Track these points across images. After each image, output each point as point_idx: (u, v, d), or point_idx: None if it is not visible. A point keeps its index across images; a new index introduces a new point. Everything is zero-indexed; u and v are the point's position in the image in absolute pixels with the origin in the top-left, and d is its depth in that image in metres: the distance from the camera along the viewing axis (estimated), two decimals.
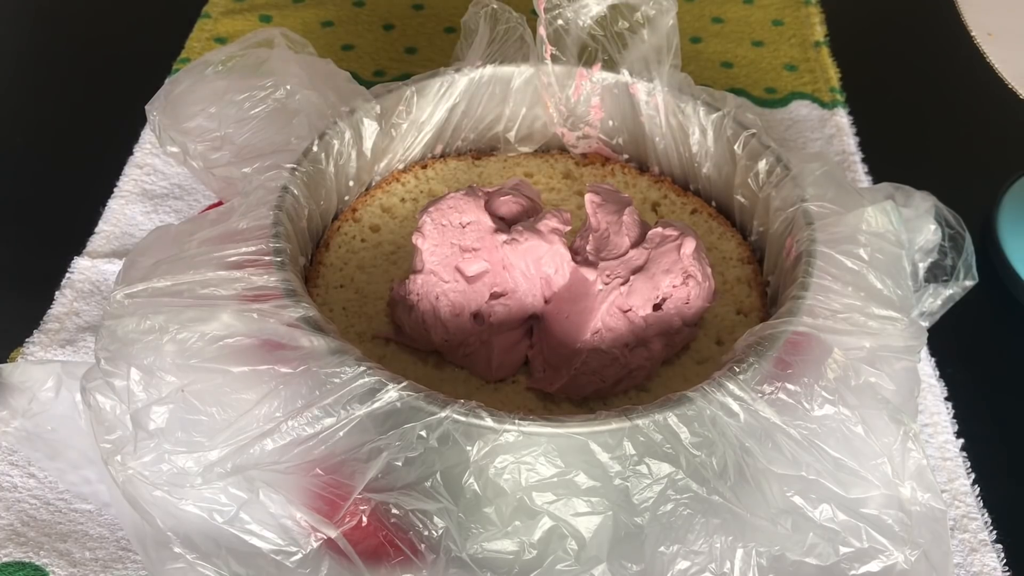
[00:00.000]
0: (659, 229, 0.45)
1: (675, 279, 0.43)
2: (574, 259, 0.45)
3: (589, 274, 0.44)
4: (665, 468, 0.36)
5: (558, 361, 0.43)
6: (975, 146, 0.71)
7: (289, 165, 0.47)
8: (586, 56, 0.54)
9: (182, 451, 0.37)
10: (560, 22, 0.53)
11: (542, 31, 0.53)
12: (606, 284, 0.43)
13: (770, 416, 0.37)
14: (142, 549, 0.39)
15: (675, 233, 0.45)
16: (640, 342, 0.43)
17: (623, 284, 0.43)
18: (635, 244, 0.45)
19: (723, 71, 0.76)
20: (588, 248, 0.45)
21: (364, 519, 0.36)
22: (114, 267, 0.58)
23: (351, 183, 0.52)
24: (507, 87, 0.55)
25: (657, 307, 0.44)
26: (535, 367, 0.44)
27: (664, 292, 0.44)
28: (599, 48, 0.54)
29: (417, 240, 0.45)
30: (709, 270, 0.45)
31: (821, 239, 0.44)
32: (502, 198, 0.47)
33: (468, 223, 0.45)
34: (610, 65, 0.54)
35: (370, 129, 0.51)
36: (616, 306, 0.43)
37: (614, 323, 0.43)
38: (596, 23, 0.53)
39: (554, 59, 0.54)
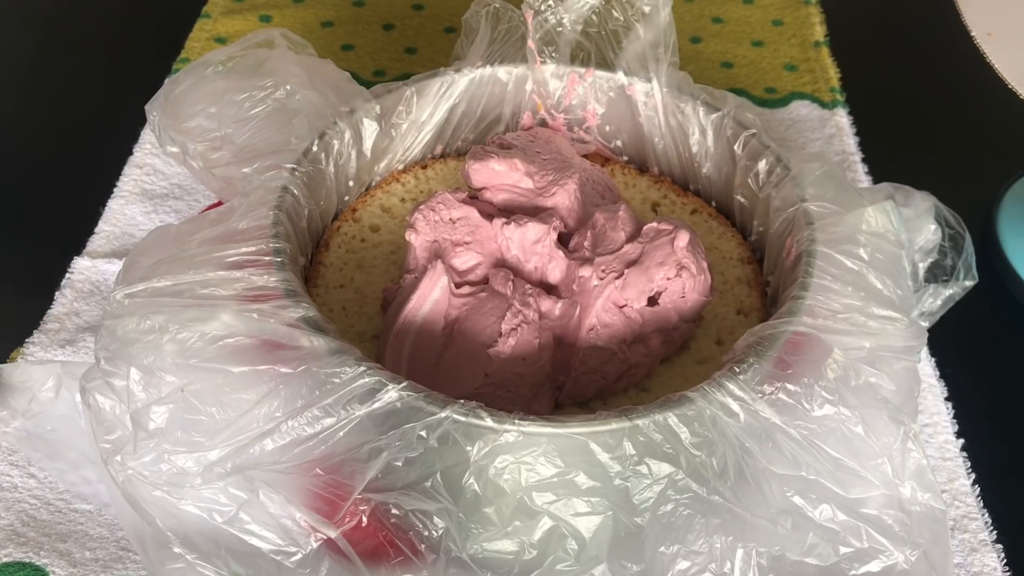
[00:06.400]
0: (654, 224, 0.46)
1: (669, 271, 0.44)
2: (571, 257, 0.45)
3: (584, 270, 0.44)
4: (665, 468, 0.36)
5: (558, 364, 0.43)
6: (975, 146, 0.71)
7: (289, 165, 0.47)
8: (581, 56, 0.54)
9: (182, 451, 0.37)
10: (552, 21, 0.53)
11: (531, 44, 0.53)
12: (601, 279, 0.44)
13: (770, 416, 0.38)
14: (142, 549, 0.39)
15: (669, 227, 0.45)
16: (638, 338, 0.44)
17: (618, 278, 0.43)
18: (630, 239, 0.45)
19: (723, 71, 0.76)
20: (585, 244, 0.45)
21: (364, 519, 0.36)
22: (114, 267, 0.58)
23: (351, 183, 0.52)
24: (506, 87, 0.55)
25: (653, 301, 0.44)
26: None
27: (658, 285, 0.44)
28: (593, 47, 0.54)
29: (410, 236, 0.45)
30: (705, 264, 0.45)
31: (821, 239, 0.44)
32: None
33: (458, 218, 0.45)
34: (606, 65, 0.54)
35: (370, 129, 0.51)
36: (611, 301, 0.43)
37: (610, 319, 0.43)
38: (589, 20, 0.53)
39: (547, 59, 0.54)
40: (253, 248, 0.42)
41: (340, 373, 0.37)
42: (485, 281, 0.44)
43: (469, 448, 0.36)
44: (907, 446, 0.39)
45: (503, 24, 0.55)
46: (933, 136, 0.72)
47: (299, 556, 0.36)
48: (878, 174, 0.67)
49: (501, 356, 0.41)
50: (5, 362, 0.53)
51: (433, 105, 0.53)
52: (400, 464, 0.36)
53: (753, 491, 0.37)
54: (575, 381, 0.43)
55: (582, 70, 0.55)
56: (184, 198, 0.63)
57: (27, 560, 0.45)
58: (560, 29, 0.54)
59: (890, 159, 0.68)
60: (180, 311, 0.39)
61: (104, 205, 0.62)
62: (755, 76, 0.75)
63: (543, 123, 0.56)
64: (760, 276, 0.49)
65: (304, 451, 0.36)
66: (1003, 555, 0.47)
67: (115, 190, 0.63)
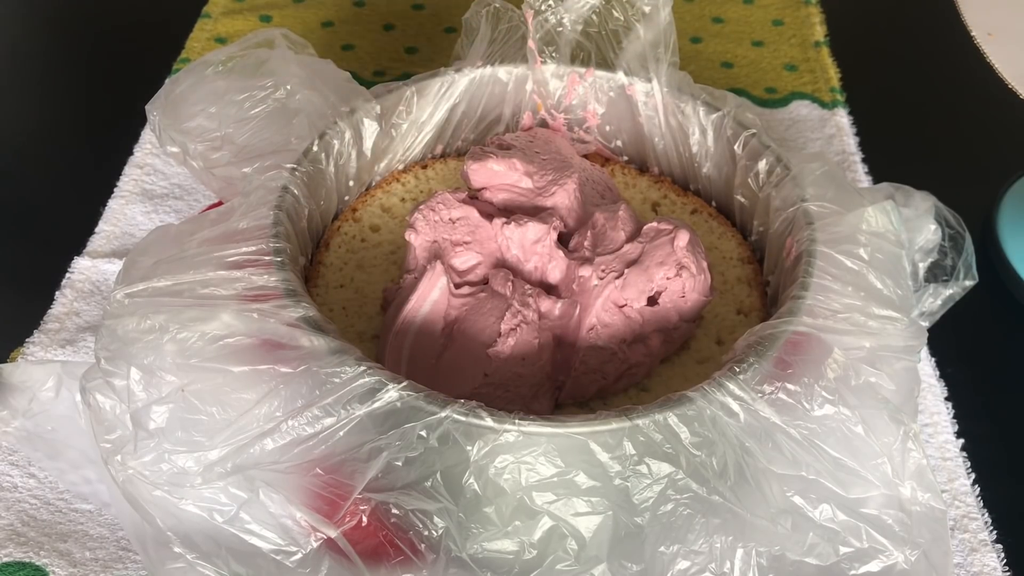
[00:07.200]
0: (654, 224, 0.46)
1: (669, 271, 0.44)
2: (571, 256, 0.45)
3: (584, 270, 0.44)
4: (665, 468, 0.36)
5: (558, 364, 0.43)
6: (975, 146, 0.71)
7: (289, 165, 0.47)
8: (581, 56, 0.54)
9: (182, 451, 0.37)
10: (552, 21, 0.53)
11: (531, 44, 0.53)
12: (601, 279, 0.44)
13: (770, 416, 0.38)
14: (142, 549, 0.39)
15: (669, 227, 0.45)
16: (638, 338, 0.44)
17: (618, 278, 0.43)
18: (630, 239, 0.45)
19: (723, 71, 0.76)
20: (585, 244, 0.45)
21: (364, 519, 0.36)
22: (114, 267, 0.58)
23: (351, 183, 0.52)
24: (507, 87, 0.55)
25: (653, 301, 0.44)
26: None
27: (658, 285, 0.44)
28: (593, 47, 0.54)
29: (410, 236, 0.45)
30: (705, 264, 0.45)
31: (821, 239, 0.44)
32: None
33: (458, 218, 0.45)
34: (606, 65, 0.54)
35: (370, 129, 0.51)
36: (611, 301, 0.43)
37: (609, 319, 0.43)
38: (589, 20, 0.54)
39: (547, 59, 0.54)
40: (253, 248, 0.42)
41: (340, 373, 0.37)
42: (485, 281, 0.44)
43: (469, 448, 0.36)
44: (907, 446, 0.39)
45: (503, 24, 0.55)
46: (933, 136, 0.72)
47: (299, 556, 0.36)
48: (878, 174, 0.67)
49: (500, 356, 0.41)
50: (5, 362, 0.53)
51: (433, 105, 0.53)
52: (400, 464, 0.36)
53: (753, 491, 0.37)
54: (575, 381, 0.43)
55: (582, 70, 0.55)
56: (184, 198, 0.63)
57: (27, 560, 0.45)
58: (560, 29, 0.54)
59: (890, 159, 0.68)
60: (180, 311, 0.39)
61: (104, 205, 0.62)
62: (755, 76, 0.75)
63: (543, 123, 0.56)
64: (760, 276, 0.50)
65: (304, 451, 0.36)
66: (1003, 555, 0.47)
67: (115, 190, 0.63)
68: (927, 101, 0.75)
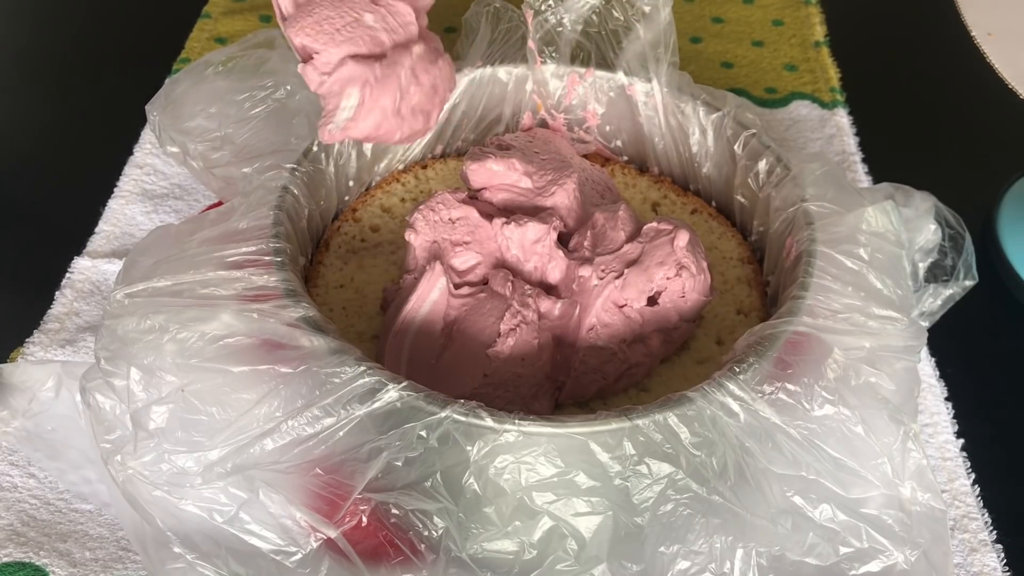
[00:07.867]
0: (654, 224, 0.46)
1: (669, 271, 0.44)
2: (571, 256, 0.45)
3: (584, 270, 0.44)
4: (665, 468, 0.36)
5: (558, 364, 0.43)
6: (975, 146, 0.71)
7: (289, 165, 0.47)
8: (581, 56, 0.54)
9: (182, 451, 0.37)
10: (552, 21, 0.53)
11: (531, 44, 0.53)
12: (601, 279, 0.44)
13: (770, 416, 0.38)
14: (142, 549, 0.39)
15: (669, 227, 0.45)
16: (638, 338, 0.44)
17: (617, 278, 0.43)
18: (630, 239, 0.45)
19: (723, 71, 0.76)
20: (585, 244, 0.45)
21: (364, 519, 0.36)
22: (114, 267, 0.58)
23: (351, 183, 0.52)
24: (507, 87, 0.55)
25: (653, 301, 0.44)
26: None
27: (658, 285, 0.44)
28: (593, 47, 0.54)
29: (410, 236, 0.45)
30: (705, 264, 0.45)
31: (821, 239, 0.44)
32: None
33: (458, 218, 0.45)
34: (606, 65, 0.54)
35: None
36: (611, 301, 0.43)
37: (609, 319, 0.43)
38: (589, 20, 0.54)
39: (547, 59, 0.54)
40: (253, 248, 0.42)
41: (340, 373, 0.37)
42: (485, 281, 0.44)
43: (469, 448, 0.36)
44: (907, 446, 0.39)
45: (503, 24, 0.55)
46: (933, 136, 0.72)
47: (299, 556, 0.36)
48: (878, 174, 0.67)
49: (500, 356, 0.41)
50: (5, 362, 0.53)
51: None
52: (400, 464, 0.36)
53: (753, 491, 0.37)
54: (575, 381, 0.43)
55: (582, 70, 0.55)
56: (184, 198, 0.63)
57: (27, 560, 0.45)
58: (560, 29, 0.54)
59: (890, 159, 0.68)
60: (180, 311, 0.39)
61: (104, 205, 0.62)
62: (755, 76, 0.75)
63: (543, 123, 0.56)
64: (760, 276, 0.50)
65: (304, 451, 0.36)
66: (1003, 555, 0.47)
67: (115, 190, 0.63)
68: (927, 101, 0.75)
